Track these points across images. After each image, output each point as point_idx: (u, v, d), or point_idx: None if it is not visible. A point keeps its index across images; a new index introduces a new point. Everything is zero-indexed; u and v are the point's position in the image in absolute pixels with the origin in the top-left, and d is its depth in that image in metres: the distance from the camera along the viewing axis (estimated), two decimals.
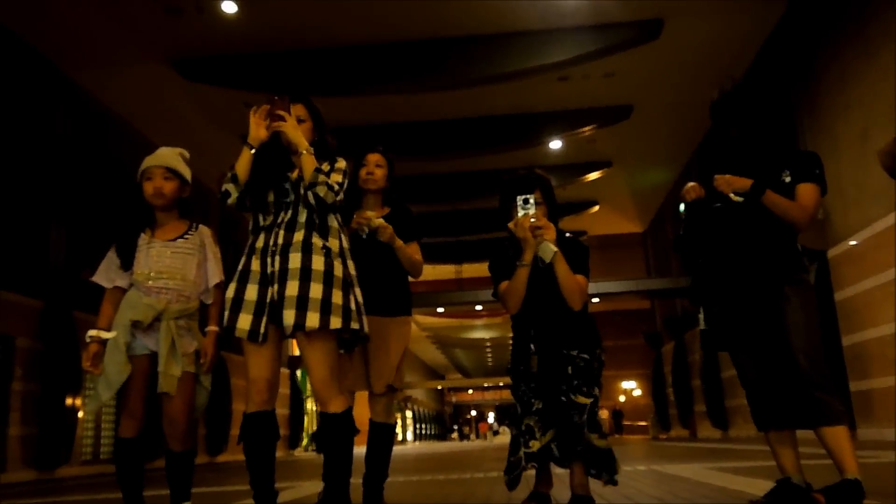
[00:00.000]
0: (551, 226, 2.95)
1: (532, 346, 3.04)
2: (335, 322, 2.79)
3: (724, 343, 2.87)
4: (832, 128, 9.85)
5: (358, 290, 2.96)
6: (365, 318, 2.94)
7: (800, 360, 2.63)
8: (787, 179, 2.81)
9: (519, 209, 2.95)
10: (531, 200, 2.95)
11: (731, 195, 2.77)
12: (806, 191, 2.79)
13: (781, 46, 11.21)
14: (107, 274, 2.97)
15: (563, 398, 2.96)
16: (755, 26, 11.21)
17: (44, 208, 10.52)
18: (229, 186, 2.89)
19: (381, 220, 3.35)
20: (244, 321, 2.81)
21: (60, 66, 11.10)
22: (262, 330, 2.80)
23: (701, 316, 2.90)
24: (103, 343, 2.85)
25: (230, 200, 2.90)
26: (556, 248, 2.91)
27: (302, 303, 2.76)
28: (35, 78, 10.66)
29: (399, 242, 3.39)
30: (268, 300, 2.82)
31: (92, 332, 2.87)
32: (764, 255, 2.77)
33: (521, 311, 3.04)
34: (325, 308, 2.78)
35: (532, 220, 2.92)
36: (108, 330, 2.87)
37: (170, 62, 11.34)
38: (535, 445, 2.95)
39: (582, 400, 2.96)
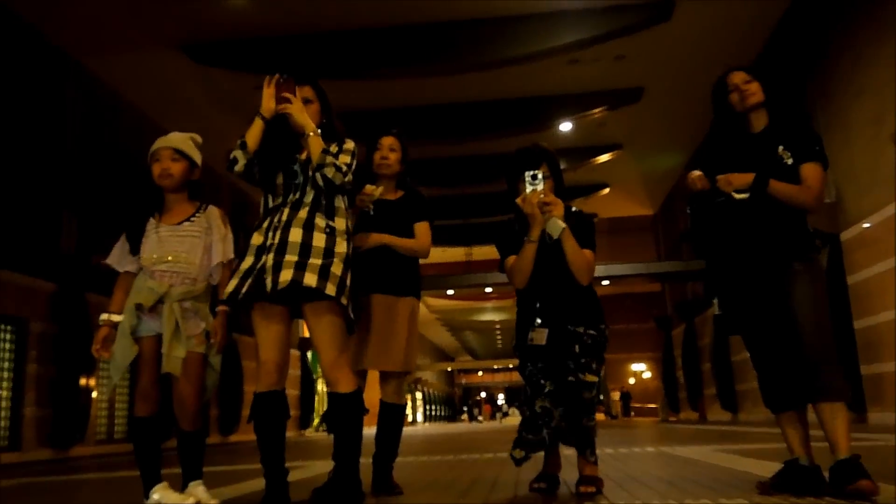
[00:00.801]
0: (559, 202, 2.96)
1: (538, 319, 3.06)
2: (331, 288, 2.79)
3: (737, 327, 2.86)
4: (845, 112, 9.76)
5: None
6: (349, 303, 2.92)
7: (806, 334, 2.62)
8: (790, 161, 2.78)
9: (527, 185, 2.96)
10: (539, 176, 2.96)
11: (734, 194, 2.76)
12: (810, 171, 2.76)
13: (794, 30, 11.09)
14: (118, 258, 3.01)
15: (571, 378, 2.99)
16: (767, 9, 11.08)
17: (56, 193, 10.58)
18: (237, 153, 2.89)
19: (380, 190, 3.35)
20: (230, 285, 2.83)
21: (71, 52, 11.12)
22: (243, 290, 2.78)
23: (716, 301, 2.91)
24: (114, 327, 2.90)
25: (237, 167, 2.89)
26: (564, 225, 2.92)
27: (300, 265, 2.77)
28: (46, 64, 10.68)
29: (398, 241, 3.37)
30: (258, 266, 2.82)
31: (103, 316, 2.91)
32: (774, 235, 2.76)
33: (527, 285, 3.06)
34: (324, 273, 2.79)
35: (540, 195, 2.92)
36: (120, 314, 2.91)
37: (180, 47, 11.34)
38: (546, 432, 2.99)
39: (591, 378, 3.00)
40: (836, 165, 10.01)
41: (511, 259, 3.09)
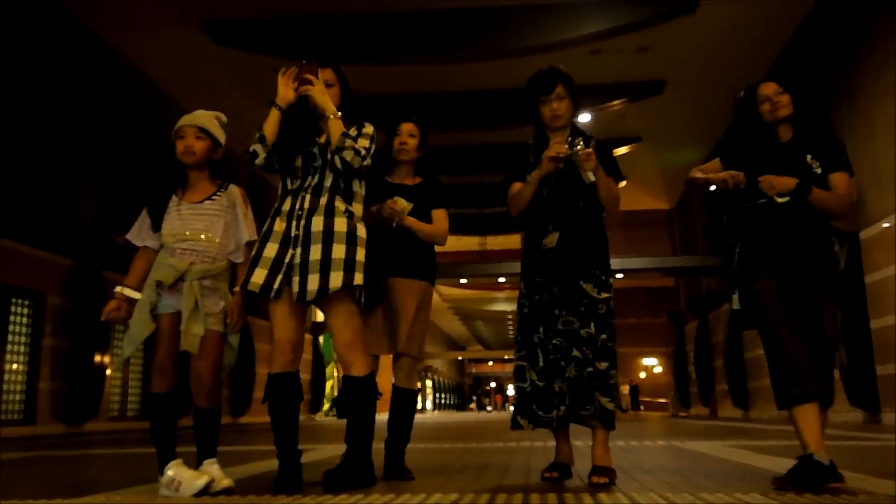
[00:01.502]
0: (593, 158, 3.03)
1: (550, 227, 3.14)
2: (359, 279, 2.83)
3: (754, 322, 2.92)
4: (870, 112, 9.62)
5: None
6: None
7: (828, 349, 2.81)
8: (818, 171, 2.90)
9: (568, 144, 3.03)
10: (580, 143, 3.02)
11: (776, 197, 2.85)
12: (840, 180, 2.90)
13: (819, 27, 10.93)
14: (138, 233, 3.02)
15: (589, 368, 3.00)
16: (793, 5, 10.93)
17: (75, 169, 10.65)
18: (257, 147, 2.92)
19: (409, 207, 3.35)
20: (258, 276, 2.86)
21: (94, 28, 11.16)
22: (275, 286, 2.83)
23: (735, 296, 2.98)
24: (126, 300, 2.90)
25: (257, 161, 2.93)
26: (593, 178, 3.04)
27: (325, 265, 2.80)
28: (69, 40, 10.73)
29: (418, 226, 3.37)
30: (286, 259, 2.85)
31: (118, 289, 2.92)
32: (812, 251, 2.87)
33: (539, 205, 3.16)
34: (349, 266, 2.82)
35: (567, 151, 3.00)
36: (135, 287, 2.92)
37: (201, 26, 11.35)
38: (554, 413, 3.05)
39: (602, 365, 3.01)
40: (859, 164, 9.86)
41: (516, 186, 3.22)
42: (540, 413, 3.09)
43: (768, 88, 2.98)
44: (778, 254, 2.87)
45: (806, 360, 2.75)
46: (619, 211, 3.19)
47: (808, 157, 2.91)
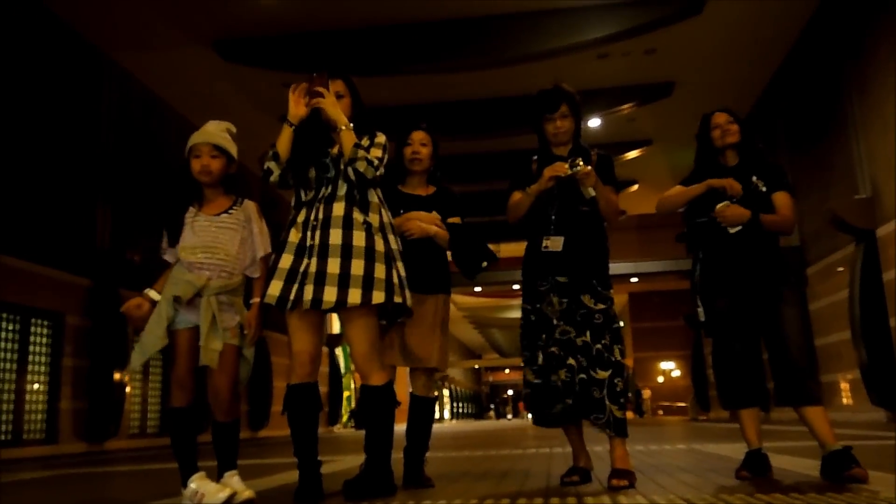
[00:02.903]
0: (593, 175, 3.14)
1: (552, 228, 3.21)
2: (378, 297, 2.83)
3: (716, 331, 3.31)
4: (882, 106, 9.55)
5: (401, 265, 2.99)
6: (408, 292, 2.97)
7: (793, 352, 3.09)
8: (763, 189, 3.26)
9: (570, 165, 3.12)
10: (580, 165, 3.11)
11: (729, 230, 3.20)
12: (783, 200, 3.25)
13: (828, 22, 10.87)
14: (165, 251, 3.03)
15: (583, 375, 3.02)
16: (801, 1, 10.89)
17: (91, 189, 10.76)
18: (271, 164, 2.95)
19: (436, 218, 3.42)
20: (274, 287, 2.87)
21: (105, 49, 11.30)
22: (291, 297, 2.83)
23: (700, 309, 3.34)
24: (150, 302, 2.92)
25: (272, 178, 2.96)
26: (593, 193, 3.16)
27: (343, 280, 2.80)
28: (81, 61, 10.87)
29: (441, 233, 3.41)
30: (301, 269, 2.86)
31: (146, 290, 2.94)
32: (764, 260, 3.20)
33: (543, 211, 3.25)
34: (367, 284, 2.82)
35: (568, 171, 3.11)
36: (160, 292, 2.94)
37: (210, 44, 11.46)
38: (558, 408, 3.12)
39: (601, 374, 3.02)
40: (872, 160, 9.82)
41: (516, 196, 3.32)
42: (543, 409, 3.16)
43: (720, 118, 3.38)
44: (732, 276, 3.21)
45: (749, 373, 3.21)
46: (617, 219, 3.37)
47: (754, 178, 3.26)
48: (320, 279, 2.81)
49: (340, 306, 2.81)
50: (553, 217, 3.21)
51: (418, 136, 3.48)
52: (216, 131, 3.06)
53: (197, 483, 2.81)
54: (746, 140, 3.36)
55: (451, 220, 3.45)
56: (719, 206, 3.19)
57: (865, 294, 9.38)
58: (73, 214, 10.36)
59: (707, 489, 2.84)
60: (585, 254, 3.20)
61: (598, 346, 3.08)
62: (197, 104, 12.92)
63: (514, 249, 22.90)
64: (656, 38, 11.53)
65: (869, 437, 6.09)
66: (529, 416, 3.31)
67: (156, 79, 12.36)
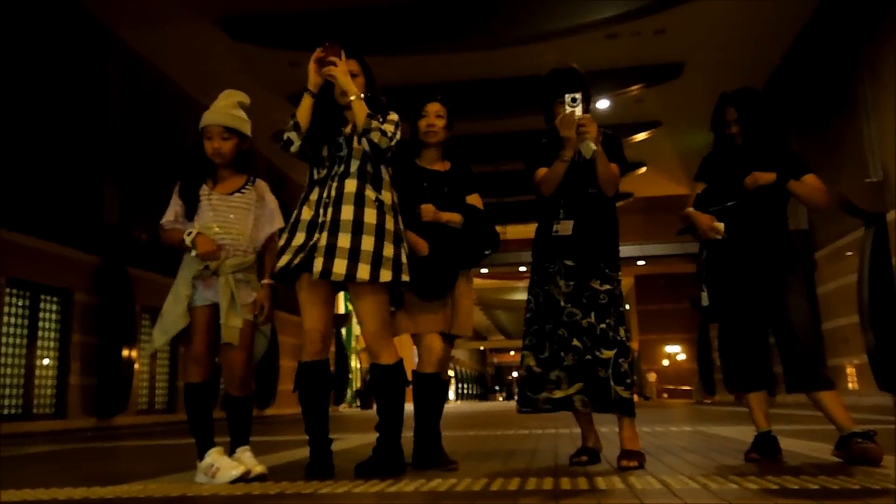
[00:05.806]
0: (594, 124, 3.07)
1: (561, 212, 3.18)
2: (385, 275, 2.83)
3: (721, 316, 3.35)
4: (894, 89, 9.46)
5: (406, 245, 2.99)
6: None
7: (801, 338, 3.09)
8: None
9: (567, 106, 3.05)
10: (578, 98, 3.05)
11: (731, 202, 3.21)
12: (812, 179, 3.23)
13: (841, 3, 10.75)
14: (173, 220, 3.01)
15: (588, 356, 3.01)
16: None
17: (98, 167, 10.77)
18: (291, 135, 2.92)
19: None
20: (283, 260, 2.88)
21: (113, 27, 11.25)
22: (295, 262, 2.84)
23: (704, 294, 3.36)
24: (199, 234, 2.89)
25: (293, 149, 2.94)
26: (595, 147, 3.07)
27: (354, 254, 2.80)
28: (87, 38, 10.83)
29: (455, 218, 3.32)
30: (311, 243, 2.85)
31: (186, 234, 2.90)
32: (769, 248, 3.20)
33: (552, 193, 3.21)
34: (377, 261, 2.82)
35: (577, 117, 3.03)
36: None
37: (217, 22, 11.39)
38: (558, 394, 3.09)
39: (606, 354, 3.02)
40: (883, 143, 9.74)
41: (542, 171, 3.23)
42: (528, 394, 3.14)
43: (730, 115, 3.33)
44: (739, 262, 3.21)
45: (755, 357, 3.24)
46: (614, 190, 3.23)
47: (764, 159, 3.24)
48: (330, 252, 2.81)
49: (349, 279, 2.80)
50: (562, 201, 3.19)
51: (433, 107, 3.37)
52: (227, 109, 3.04)
53: (213, 457, 2.84)
54: (757, 128, 3.32)
55: (468, 198, 3.38)
56: (748, 178, 3.18)
57: (874, 278, 9.34)
58: (81, 192, 10.37)
59: (716, 470, 2.84)
60: (594, 238, 3.17)
61: (603, 325, 3.07)
62: (203, 82, 12.85)
63: (520, 231, 22.89)
64: (666, 19, 11.41)
65: (876, 421, 6.09)
66: (518, 403, 3.22)
67: (162, 56, 12.31)
